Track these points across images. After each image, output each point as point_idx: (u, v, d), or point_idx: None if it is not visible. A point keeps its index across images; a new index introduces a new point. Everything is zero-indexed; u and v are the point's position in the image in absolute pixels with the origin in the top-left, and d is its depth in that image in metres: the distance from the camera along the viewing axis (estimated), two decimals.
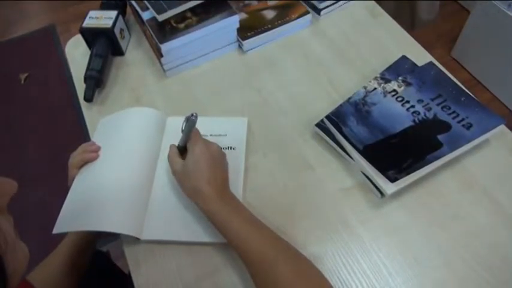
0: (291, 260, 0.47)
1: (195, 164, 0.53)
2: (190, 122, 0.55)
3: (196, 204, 0.53)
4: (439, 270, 0.54)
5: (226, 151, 0.64)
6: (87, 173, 0.62)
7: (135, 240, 0.58)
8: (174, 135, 0.66)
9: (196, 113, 0.55)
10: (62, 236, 0.63)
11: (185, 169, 0.54)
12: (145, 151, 0.64)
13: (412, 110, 0.64)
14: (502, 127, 0.63)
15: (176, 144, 0.59)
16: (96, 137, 0.68)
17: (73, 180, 0.62)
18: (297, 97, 0.73)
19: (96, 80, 0.75)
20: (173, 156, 0.58)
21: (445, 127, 0.62)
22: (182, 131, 0.57)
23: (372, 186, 0.60)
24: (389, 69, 0.70)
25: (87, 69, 0.76)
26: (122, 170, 0.61)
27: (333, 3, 0.84)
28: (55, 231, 0.56)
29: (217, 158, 0.55)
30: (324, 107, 0.68)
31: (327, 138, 0.65)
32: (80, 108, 0.77)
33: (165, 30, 0.74)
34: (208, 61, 0.80)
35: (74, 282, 0.63)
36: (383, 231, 0.57)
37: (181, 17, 0.75)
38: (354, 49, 0.79)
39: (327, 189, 0.62)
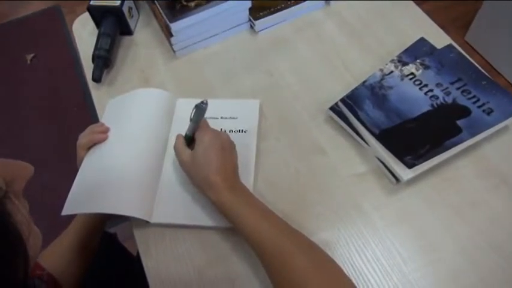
0: (306, 251, 0.47)
1: (205, 154, 0.52)
2: (200, 110, 0.54)
3: (206, 196, 0.52)
4: (454, 257, 0.53)
5: (238, 134, 0.63)
6: (96, 154, 0.61)
7: (145, 223, 0.57)
8: (184, 118, 0.66)
9: (206, 101, 0.53)
10: (71, 218, 0.63)
11: (194, 159, 0.53)
12: (155, 133, 0.64)
13: (430, 94, 0.62)
14: None
15: (183, 134, 0.58)
16: (104, 118, 0.67)
17: (81, 161, 0.61)
18: (310, 80, 0.71)
19: (105, 59, 0.75)
20: (180, 146, 0.56)
21: (465, 112, 0.60)
22: (191, 119, 0.55)
23: (386, 171, 0.59)
24: (407, 51, 0.68)
25: (95, 48, 0.75)
26: (131, 152, 0.60)
27: None
28: (64, 212, 0.55)
29: (227, 147, 0.54)
30: (338, 90, 0.67)
31: (341, 122, 0.63)
32: (88, 88, 0.76)
33: (175, 9, 0.72)
34: (219, 41, 0.79)
35: (83, 264, 0.63)
36: (397, 217, 0.56)
37: None
38: (369, 31, 0.76)
39: (340, 175, 0.61)
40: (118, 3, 0.76)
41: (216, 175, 0.51)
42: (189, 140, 0.57)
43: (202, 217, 0.57)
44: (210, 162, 0.51)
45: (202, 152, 0.53)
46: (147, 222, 0.57)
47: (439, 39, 0.70)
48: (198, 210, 0.57)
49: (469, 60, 0.66)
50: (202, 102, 0.53)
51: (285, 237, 0.47)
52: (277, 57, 0.75)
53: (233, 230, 0.54)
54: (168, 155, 0.63)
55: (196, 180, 0.54)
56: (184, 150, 0.56)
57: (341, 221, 0.57)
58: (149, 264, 0.56)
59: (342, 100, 0.63)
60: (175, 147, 0.57)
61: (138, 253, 0.57)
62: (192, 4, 0.73)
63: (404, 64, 0.66)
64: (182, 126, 0.64)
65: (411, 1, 0.80)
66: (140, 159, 0.60)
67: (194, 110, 0.54)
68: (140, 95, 0.67)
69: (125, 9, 0.77)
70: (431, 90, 0.62)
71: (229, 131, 0.64)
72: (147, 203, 0.57)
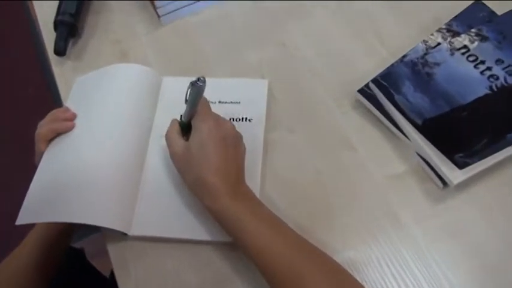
0: (328, 274, 0.46)
1: (202, 147, 0.52)
2: (196, 89, 0.52)
3: (201, 201, 0.52)
4: None
5: (241, 123, 0.63)
6: (60, 147, 0.61)
7: (121, 236, 0.57)
8: (172, 101, 0.67)
9: (203, 77, 0.52)
10: (29, 228, 0.64)
11: (188, 153, 0.53)
12: (134, 121, 0.64)
13: (488, 73, 0.62)
14: None
15: (179, 118, 0.58)
16: (70, 101, 0.67)
17: (41, 156, 0.61)
18: (334, 54, 0.71)
19: (70, 27, 0.75)
20: (173, 134, 0.56)
21: None
22: (186, 101, 0.54)
23: (431, 172, 0.58)
24: (459, 18, 0.68)
25: (58, 13, 0.75)
26: (104, 145, 0.60)
27: None
28: (19, 221, 0.55)
29: (231, 140, 0.54)
30: (370, 68, 0.67)
31: (373, 109, 0.63)
32: (48, 64, 0.76)
33: None
34: (216, 4, 0.79)
35: (42, 285, 0.64)
36: (445, 231, 0.56)
37: None
38: None
39: (371, 176, 0.60)
40: None
41: (214, 175, 0.50)
42: (186, 128, 0.57)
43: (195, 229, 0.56)
44: (208, 159, 0.51)
45: (198, 144, 0.52)
46: (125, 234, 0.57)
47: (501, 2, 0.69)
48: (190, 220, 0.57)
49: None
50: (198, 79, 0.52)
51: (301, 257, 0.47)
52: (292, 26, 0.75)
53: (234, 245, 0.54)
54: (151, 150, 0.63)
55: (188, 180, 0.53)
56: (177, 139, 0.55)
57: (373, 236, 0.56)
58: (127, 286, 0.56)
59: (375, 80, 0.63)
60: (167, 136, 0.57)
61: (112, 273, 0.58)
62: None
63: (455, 34, 0.66)
64: (169, 112, 0.63)
65: None
66: (116, 154, 0.60)
67: (189, 90, 0.53)
68: (116, 72, 0.67)
69: None
70: (489, 69, 0.62)
71: (230, 120, 0.63)
72: (124, 210, 0.57)
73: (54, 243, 0.64)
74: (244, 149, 0.56)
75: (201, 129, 0.53)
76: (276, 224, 0.50)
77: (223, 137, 0.53)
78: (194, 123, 0.55)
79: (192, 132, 0.54)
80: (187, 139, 0.55)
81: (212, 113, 0.55)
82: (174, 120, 0.58)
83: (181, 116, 0.57)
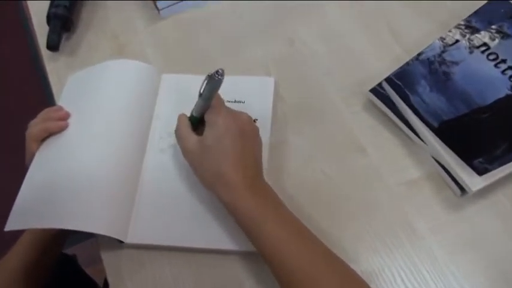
0: (341, 280, 0.47)
1: (218, 140, 0.52)
2: (214, 83, 0.53)
3: (217, 195, 0.52)
4: None
5: None
6: (52, 148, 0.61)
7: (117, 244, 0.57)
8: (172, 100, 0.67)
9: (222, 70, 0.52)
10: (19, 234, 0.63)
11: (203, 148, 0.53)
12: (131, 121, 0.64)
13: (509, 72, 0.61)
14: None
15: (188, 115, 0.58)
16: (63, 99, 0.67)
17: (32, 157, 0.61)
18: (344, 51, 0.71)
19: (64, 20, 0.75)
20: (184, 130, 0.56)
21: None
22: (200, 95, 0.55)
23: (448, 179, 0.58)
24: (478, 13, 0.67)
25: (51, 5, 0.75)
26: (98, 146, 0.60)
27: None
28: (8, 227, 0.55)
29: (249, 133, 0.55)
30: (383, 66, 0.66)
31: (386, 110, 0.63)
32: (40, 60, 0.77)
33: None
34: None
35: None
36: (463, 242, 0.55)
37: None
38: None
39: (384, 183, 0.60)
40: None
41: (233, 170, 0.51)
42: (196, 123, 0.57)
43: (196, 237, 0.56)
44: (226, 153, 0.52)
45: (215, 138, 0.53)
46: (121, 242, 0.57)
47: None
48: (191, 227, 0.57)
49: None
50: (217, 72, 0.52)
51: (320, 263, 0.47)
52: (300, 19, 0.75)
53: (237, 254, 0.55)
54: (150, 151, 0.63)
55: (204, 175, 0.54)
56: (189, 135, 0.56)
57: (386, 246, 0.56)
58: None
59: (388, 79, 0.63)
60: (177, 132, 0.57)
61: (105, 282, 0.57)
62: None
63: (475, 31, 0.65)
64: (169, 111, 0.63)
65: None
66: (111, 156, 0.59)
67: (205, 83, 0.54)
68: (112, 69, 0.67)
69: None
70: (510, 68, 0.61)
71: None
72: (120, 216, 0.57)
73: (45, 248, 0.64)
74: (261, 142, 0.57)
75: (217, 122, 0.53)
76: (295, 224, 0.51)
77: (240, 129, 0.53)
78: (208, 118, 0.55)
79: (207, 126, 0.55)
80: (198, 134, 0.56)
81: (227, 107, 0.56)
82: (182, 116, 0.58)
83: (192, 111, 0.58)
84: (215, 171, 0.52)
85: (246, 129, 0.54)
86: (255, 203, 0.50)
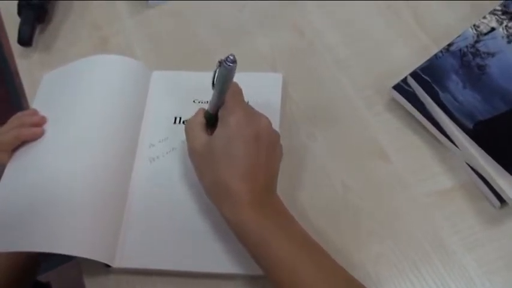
0: None
1: (227, 144, 0.52)
2: (225, 71, 0.52)
3: (218, 209, 0.52)
4: None
5: None
6: (26, 159, 0.61)
7: (103, 269, 0.57)
8: (163, 101, 0.67)
9: (233, 56, 0.51)
10: None
11: (210, 150, 0.53)
12: (117, 126, 0.64)
13: None
14: None
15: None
16: (38, 102, 0.67)
17: (3, 170, 0.61)
18: (363, 42, 0.71)
19: (38, 10, 0.75)
20: (195, 126, 0.56)
21: None
22: (213, 86, 0.55)
23: (485, 188, 0.58)
24: None
25: None
26: (80, 156, 0.60)
27: None
28: None
29: (265, 140, 0.53)
30: (408, 59, 0.67)
31: (412, 109, 0.63)
32: (10, 57, 0.77)
33: None
34: None
35: None
36: (503, 260, 0.56)
37: None
38: None
39: (410, 193, 0.60)
40: None
41: (240, 181, 0.50)
42: (212, 120, 0.57)
43: (192, 260, 0.56)
44: (233, 159, 0.51)
45: (223, 140, 0.52)
46: (107, 266, 0.57)
47: None
48: (187, 249, 0.57)
49: None
50: (227, 58, 0.51)
51: (334, 285, 0.47)
52: (311, 6, 0.75)
53: (236, 278, 0.55)
54: (139, 161, 0.63)
55: (206, 182, 0.54)
56: (199, 133, 0.56)
57: (413, 265, 0.56)
58: None
59: (414, 74, 0.63)
60: (188, 127, 0.57)
61: None
62: None
63: None
64: (160, 114, 0.64)
65: None
66: (95, 167, 0.60)
67: (216, 72, 0.53)
68: (94, 65, 0.67)
69: None
70: None
71: None
72: (107, 236, 0.57)
73: (17, 276, 0.64)
74: (281, 153, 0.57)
75: (229, 122, 0.53)
76: (308, 247, 0.51)
77: (255, 134, 0.52)
78: (221, 115, 0.55)
79: (219, 125, 0.54)
80: (211, 134, 0.55)
81: (244, 104, 0.55)
82: (199, 110, 0.58)
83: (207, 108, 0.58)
84: (218, 180, 0.51)
85: (263, 135, 0.53)
86: (262, 222, 0.49)
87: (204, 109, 0.58)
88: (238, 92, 0.55)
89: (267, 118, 0.55)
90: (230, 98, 0.54)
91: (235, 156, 0.51)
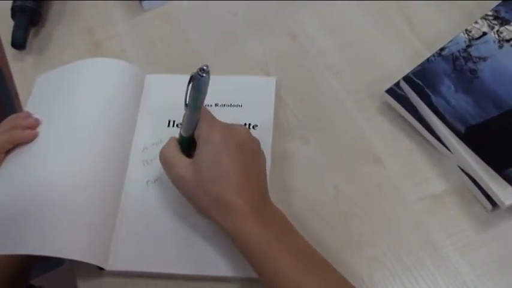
0: None
1: (215, 161, 0.52)
2: (199, 84, 0.50)
3: (218, 224, 0.51)
4: None
5: None
6: (19, 162, 0.61)
7: (96, 272, 0.57)
8: (157, 104, 0.67)
9: (207, 66, 0.49)
10: None
11: (198, 172, 0.52)
12: (111, 129, 0.64)
13: None
14: None
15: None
16: (31, 105, 0.67)
17: None
18: (355, 46, 0.71)
19: (32, 13, 0.74)
20: (172, 153, 0.55)
21: None
22: (186, 105, 0.52)
23: (477, 191, 0.58)
24: (509, 2, 0.68)
25: None
26: (73, 159, 0.60)
27: None
28: None
29: (249, 148, 0.54)
30: (400, 63, 0.67)
31: (405, 113, 0.63)
32: (3, 60, 0.77)
33: None
34: None
35: None
36: (495, 264, 0.56)
37: None
38: None
39: (403, 197, 0.60)
40: None
41: (236, 194, 0.50)
42: (186, 145, 0.56)
43: (187, 262, 0.56)
44: (225, 174, 0.51)
45: (210, 158, 0.52)
46: (101, 269, 0.56)
47: None
48: (182, 251, 0.57)
49: None
50: (201, 70, 0.49)
51: None
52: (305, 11, 0.75)
53: (233, 281, 0.55)
54: (133, 164, 0.63)
55: (202, 204, 0.53)
56: (179, 159, 0.54)
57: (407, 270, 0.56)
58: None
59: (407, 78, 0.63)
60: (164, 155, 0.56)
61: None
62: None
63: (504, 22, 0.66)
64: (154, 117, 0.63)
65: None
66: (88, 170, 0.59)
67: (190, 87, 0.51)
68: (87, 69, 0.67)
69: None
70: None
71: None
72: (100, 239, 0.57)
73: (10, 280, 0.63)
74: (265, 158, 0.57)
75: (213, 138, 0.52)
76: (311, 255, 0.51)
77: (238, 145, 0.53)
78: (201, 134, 0.54)
79: (199, 145, 0.53)
80: (190, 157, 0.54)
81: (218, 120, 0.55)
82: (171, 138, 0.57)
83: (180, 131, 0.56)
84: (214, 197, 0.51)
85: (245, 144, 0.53)
86: (263, 231, 0.49)
87: (175, 137, 0.57)
88: (207, 110, 0.55)
89: (244, 126, 0.56)
90: (205, 116, 0.54)
91: (226, 170, 0.51)
